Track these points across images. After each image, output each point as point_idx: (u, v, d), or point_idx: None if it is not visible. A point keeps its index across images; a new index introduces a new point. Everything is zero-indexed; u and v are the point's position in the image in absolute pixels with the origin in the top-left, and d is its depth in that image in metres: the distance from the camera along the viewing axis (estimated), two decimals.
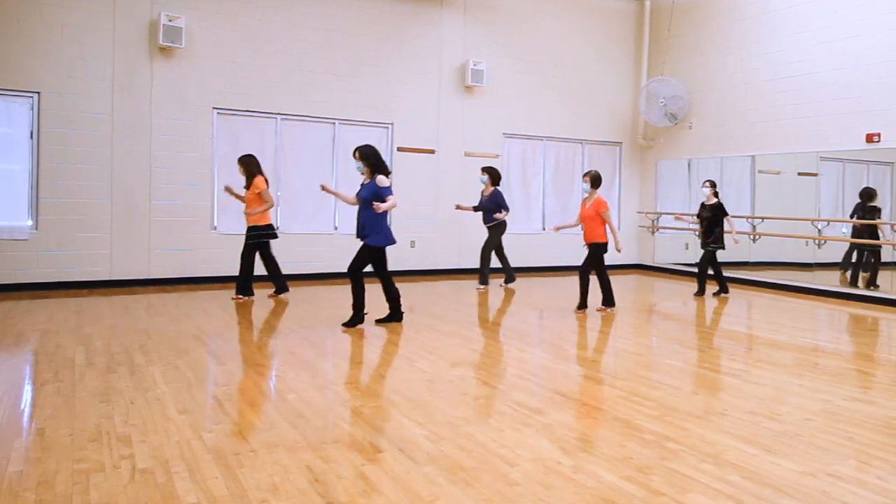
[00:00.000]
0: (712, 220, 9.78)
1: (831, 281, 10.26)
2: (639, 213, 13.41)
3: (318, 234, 10.61)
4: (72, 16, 8.93)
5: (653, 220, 13.22)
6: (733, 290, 10.78)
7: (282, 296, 8.72)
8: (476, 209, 10.25)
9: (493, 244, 10.15)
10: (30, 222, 8.85)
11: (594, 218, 8.09)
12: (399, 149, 11.18)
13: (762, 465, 3.52)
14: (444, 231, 11.47)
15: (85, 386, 4.67)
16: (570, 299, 9.35)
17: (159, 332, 6.58)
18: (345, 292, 9.34)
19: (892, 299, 9.35)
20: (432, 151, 11.41)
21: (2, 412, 4.13)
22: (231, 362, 5.55)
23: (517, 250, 12.26)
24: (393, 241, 6.94)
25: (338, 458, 3.49)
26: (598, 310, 8.27)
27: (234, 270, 9.07)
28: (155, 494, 3.03)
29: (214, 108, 9.83)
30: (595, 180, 8.23)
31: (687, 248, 12.65)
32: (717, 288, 10.08)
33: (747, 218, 11.46)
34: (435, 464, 3.45)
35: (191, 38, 9.53)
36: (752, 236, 11.40)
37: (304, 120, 10.52)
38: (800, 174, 11.02)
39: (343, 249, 10.06)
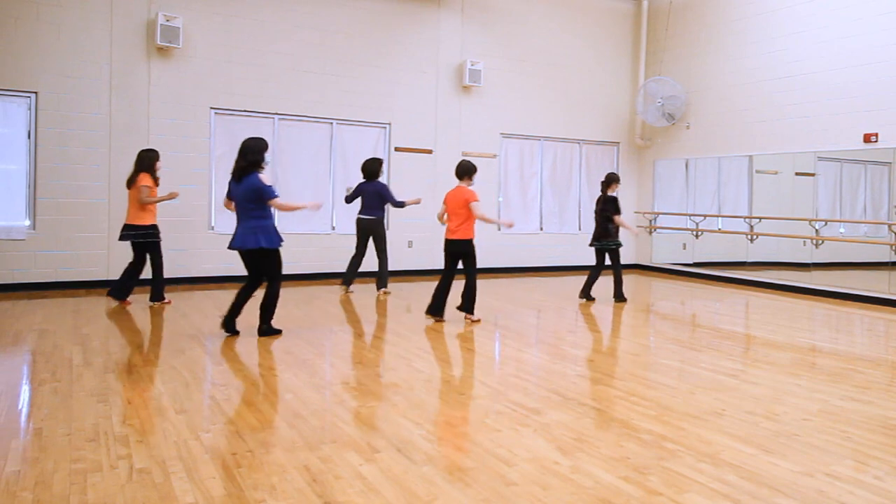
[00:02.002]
0: (603, 214, 8.97)
1: (829, 281, 10.27)
2: (636, 213, 13.41)
3: (315, 234, 10.60)
4: (69, 15, 8.91)
5: (650, 221, 13.23)
6: (731, 290, 10.80)
7: (123, 302, 8.05)
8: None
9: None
10: (27, 222, 8.84)
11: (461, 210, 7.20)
12: (396, 149, 11.18)
13: (760, 465, 3.53)
14: (442, 231, 11.44)
15: (82, 386, 4.66)
16: (568, 299, 9.36)
17: (157, 331, 6.57)
18: (339, 292, 9.35)
19: (889, 299, 9.37)
20: (430, 151, 11.41)
21: None
22: (228, 362, 5.55)
23: (515, 250, 12.29)
24: (280, 243, 6.35)
25: (335, 459, 3.48)
26: (468, 319, 7.43)
27: (233, 270, 9.07)
28: (152, 494, 3.03)
29: (212, 108, 9.82)
30: (459, 170, 7.39)
31: (684, 247, 12.66)
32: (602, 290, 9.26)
33: (745, 218, 11.48)
34: (433, 464, 3.45)
35: (188, 38, 9.52)
36: (749, 236, 11.42)
37: (301, 120, 10.51)
38: (797, 174, 11.04)
39: (341, 249, 10.08)
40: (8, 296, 8.34)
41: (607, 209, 8.96)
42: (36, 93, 8.78)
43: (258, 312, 6.43)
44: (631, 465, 3.49)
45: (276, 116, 10.30)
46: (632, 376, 5.34)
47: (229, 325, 6.36)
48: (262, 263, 6.31)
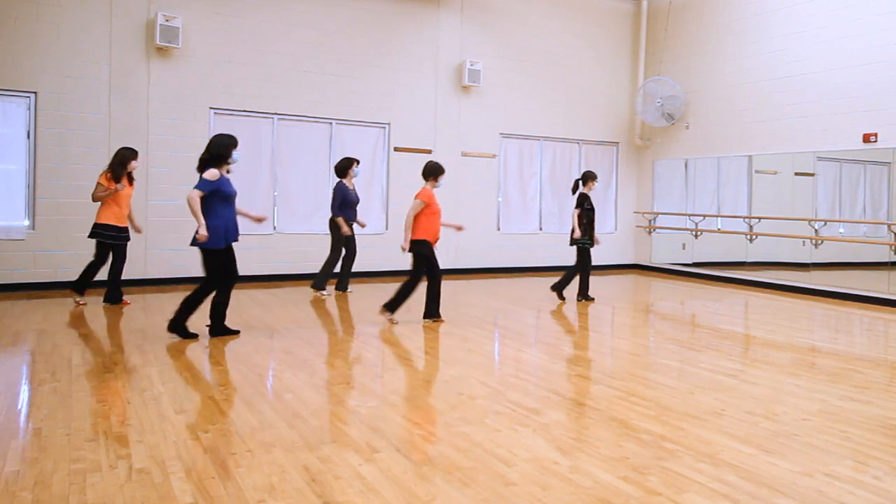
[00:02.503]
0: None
1: (828, 281, 10.27)
2: (635, 213, 13.43)
3: (314, 234, 10.59)
4: (69, 16, 8.91)
5: (650, 221, 13.23)
6: (731, 290, 10.80)
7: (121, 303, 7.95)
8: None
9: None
10: (27, 222, 8.84)
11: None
12: (396, 149, 11.18)
13: (759, 465, 3.53)
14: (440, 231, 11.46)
15: (81, 386, 4.66)
16: (567, 300, 9.35)
17: (156, 332, 6.56)
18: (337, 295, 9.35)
19: (889, 299, 9.37)
20: (429, 151, 11.40)
21: None
22: (228, 362, 5.55)
23: (514, 250, 12.29)
24: (221, 245, 6.29)
25: (335, 459, 3.48)
26: (387, 316, 7.25)
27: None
28: (151, 494, 3.03)
29: (211, 108, 9.82)
30: (424, 170, 7.33)
31: (684, 247, 12.67)
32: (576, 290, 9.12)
33: (744, 218, 11.48)
34: (432, 464, 3.45)
35: (187, 38, 9.52)
36: (748, 236, 11.42)
37: (300, 120, 10.51)
38: (797, 174, 11.04)
39: None
40: (7, 296, 8.33)
41: (579, 206, 8.86)
42: (35, 93, 8.78)
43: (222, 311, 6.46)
44: (630, 465, 3.49)
45: (275, 116, 10.30)
46: (631, 376, 5.35)
47: (216, 329, 6.39)
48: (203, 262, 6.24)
